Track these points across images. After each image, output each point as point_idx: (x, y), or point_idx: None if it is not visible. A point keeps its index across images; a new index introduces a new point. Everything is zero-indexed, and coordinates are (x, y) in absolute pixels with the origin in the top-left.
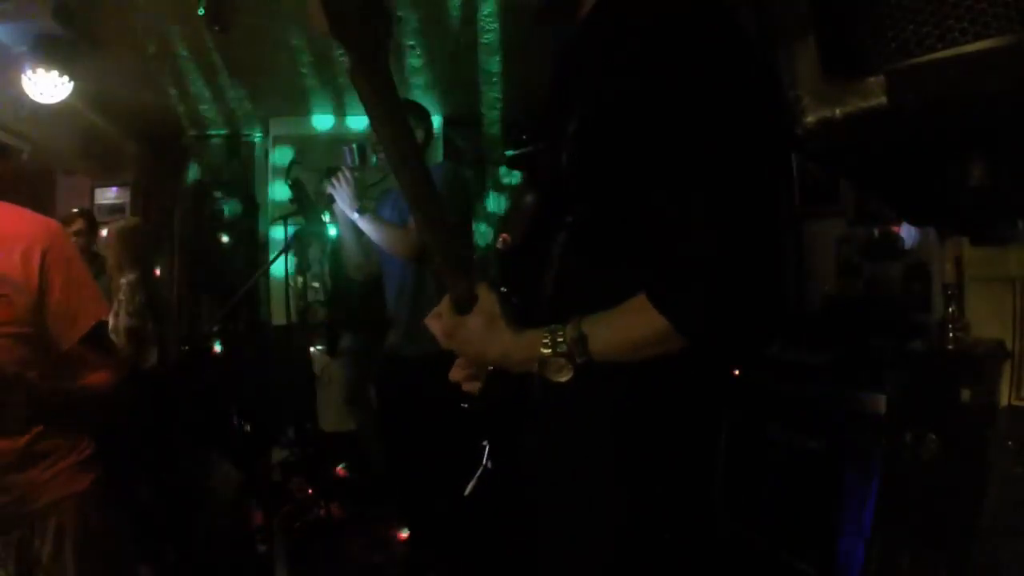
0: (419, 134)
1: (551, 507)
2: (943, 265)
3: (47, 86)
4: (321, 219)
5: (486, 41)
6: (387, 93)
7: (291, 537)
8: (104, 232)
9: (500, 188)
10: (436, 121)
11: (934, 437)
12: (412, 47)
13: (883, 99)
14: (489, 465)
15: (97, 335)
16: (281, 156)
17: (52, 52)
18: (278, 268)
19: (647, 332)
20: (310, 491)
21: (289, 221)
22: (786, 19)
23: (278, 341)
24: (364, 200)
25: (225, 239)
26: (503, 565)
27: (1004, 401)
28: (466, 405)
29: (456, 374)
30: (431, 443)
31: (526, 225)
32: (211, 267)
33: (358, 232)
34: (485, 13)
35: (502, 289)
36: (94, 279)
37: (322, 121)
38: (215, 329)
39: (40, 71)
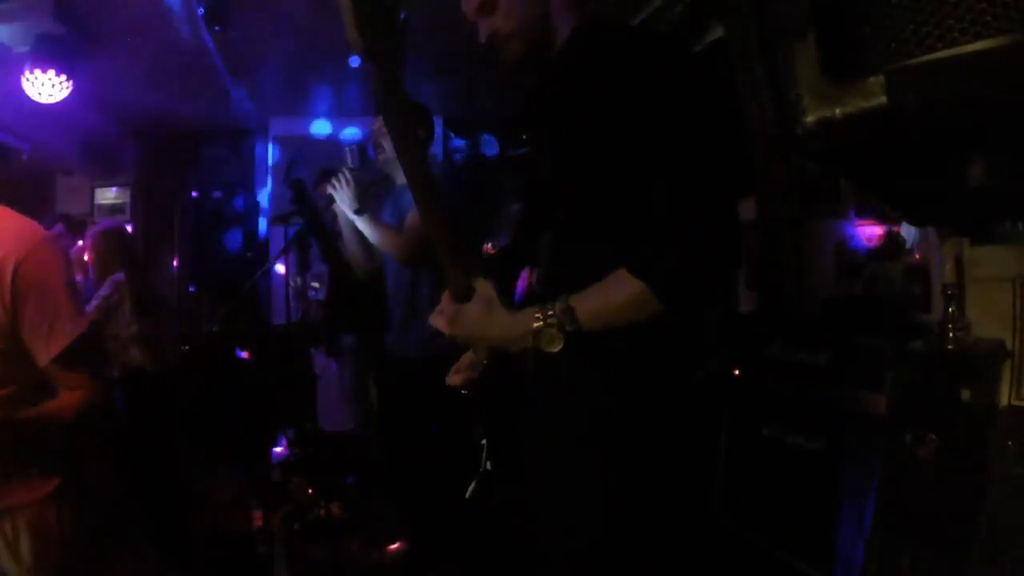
0: (420, 133)
1: (545, 484)
2: (943, 265)
3: (47, 86)
4: (321, 219)
5: None
6: (404, 104)
7: (291, 537)
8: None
9: (499, 188)
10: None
11: (934, 437)
12: (412, 47)
13: (883, 99)
14: (488, 466)
15: (74, 351)
16: (281, 156)
17: (52, 52)
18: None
19: (626, 296)
20: (310, 491)
21: (289, 221)
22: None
23: (278, 341)
24: (364, 200)
25: (225, 239)
26: (502, 564)
27: (1004, 401)
28: (465, 392)
29: (453, 379)
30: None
31: (514, 230)
32: (211, 267)
33: (359, 231)
34: None
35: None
36: (75, 290)
37: (322, 122)
38: (215, 329)
39: (40, 71)
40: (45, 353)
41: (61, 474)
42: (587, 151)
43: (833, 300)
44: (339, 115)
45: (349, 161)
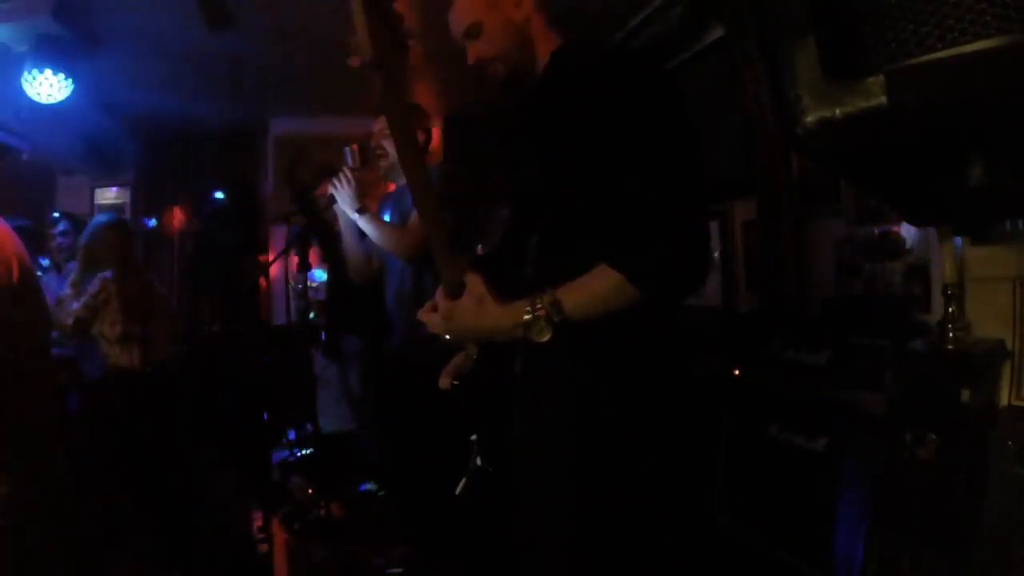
0: (420, 135)
1: (535, 477)
2: (943, 265)
3: (47, 86)
4: (321, 219)
5: None
6: (406, 108)
7: (291, 537)
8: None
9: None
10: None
11: (934, 437)
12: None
13: (883, 99)
14: (479, 462)
15: None
16: (281, 156)
17: (52, 52)
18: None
19: (607, 287)
20: (310, 491)
21: (289, 221)
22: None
23: (278, 341)
24: (365, 200)
25: (225, 239)
26: (500, 563)
27: (1004, 401)
28: (456, 383)
29: (444, 382)
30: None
31: (502, 234)
32: (211, 267)
33: (359, 233)
34: None
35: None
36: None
37: (322, 121)
38: (215, 329)
39: (40, 71)
40: None
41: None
42: (569, 161)
43: (833, 300)
44: (339, 115)
45: (349, 161)
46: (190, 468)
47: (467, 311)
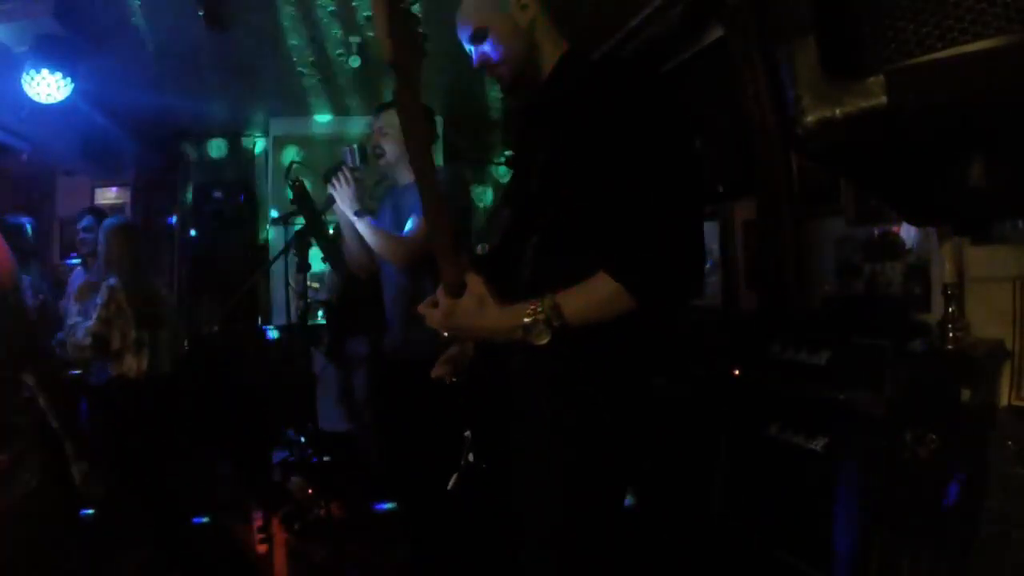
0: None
1: (529, 475)
2: (943, 265)
3: (47, 86)
4: (321, 219)
5: None
6: (419, 108)
7: (291, 537)
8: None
9: (500, 188)
10: (437, 121)
11: (934, 437)
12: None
13: (883, 99)
14: (471, 458)
15: None
16: (281, 156)
17: (52, 52)
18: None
19: (606, 295)
20: (310, 491)
21: (289, 221)
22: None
23: (278, 341)
24: (365, 201)
25: (225, 239)
26: (498, 562)
27: (1004, 401)
28: (455, 379)
29: (438, 371)
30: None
31: (502, 234)
32: (211, 267)
33: (360, 232)
34: None
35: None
36: None
37: (322, 121)
38: (215, 329)
39: (40, 71)
40: None
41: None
42: (570, 167)
43: (833, 300)
44: (339, 115)
45: (349, 161)
46: (190, 468)
47: (467, 311)
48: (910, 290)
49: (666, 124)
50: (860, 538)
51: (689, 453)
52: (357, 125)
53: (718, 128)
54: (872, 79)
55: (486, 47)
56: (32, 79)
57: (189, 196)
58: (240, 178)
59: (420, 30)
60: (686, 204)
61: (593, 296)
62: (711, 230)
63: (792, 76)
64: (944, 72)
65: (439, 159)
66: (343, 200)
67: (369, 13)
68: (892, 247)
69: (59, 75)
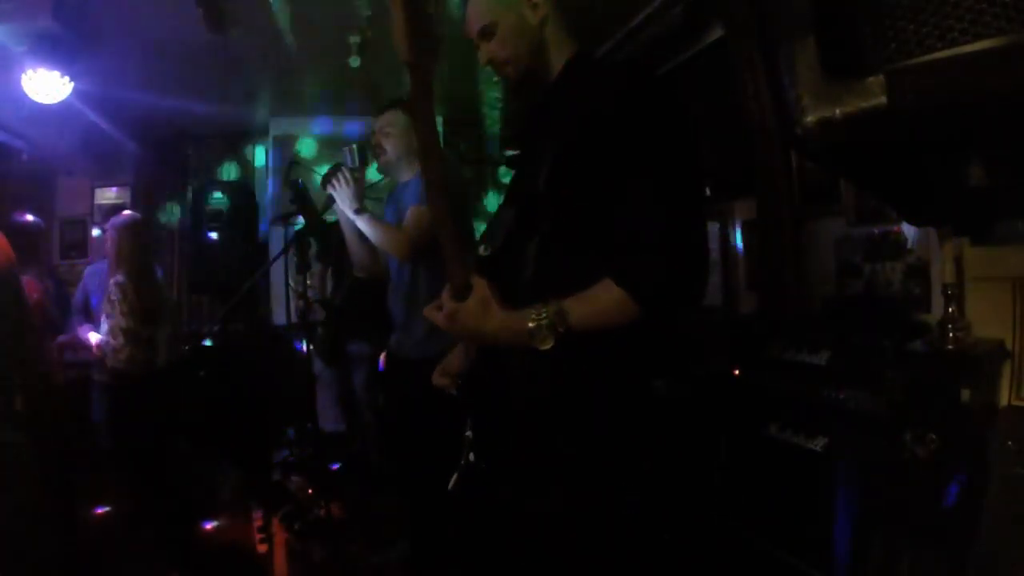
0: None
1: (530, 478)
2: (943, 265)
3: (47, 86)
4: (321, 219)
5: None
6: (432, 108)
7: (291, 537)
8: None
9: (500, 188)
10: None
11: (934, 437)
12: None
13: (883, 99)
14: (471, 458)
15: None
16: (281, 156)
17: (52, 52)
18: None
19: (611, 302)
20: (310, 491)
21: (289, 221)
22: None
23: (278, 341)
24: (365, 200)
25: (225, 239)
26: (500, 564)
27: (1004, 401)
28: (459, 383)
29: (440, 380)
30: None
31: (504, 235)
32: (211, 267)
33: (361, 231)
34: None
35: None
36: None
37: (322, 122)
38: (215, 329)
39: (40, 71)
40: None
41: None
42: (574, 170)
43: (833, 300)
44: (339, 115)
45: (348, 161)
46: (190, 468)
47: (472, 314)
48: (910, 290)
49: (670, 128)
50: (860, 538)
51: (689, 453)
52: (357, 125)
53: (718, 128)
54: (872, 79)
55: (494, 44)
56: (32, 79)
57: (189, 196)
58: (240, 178)
59: (437, 32)
60: (689, 210)
61: (598, 303)
62: (711, 230)
63: (792, 76)
64: (944, 72)
65: None
66: (343, 200)
67: (369, 13)
68: (892, 247)
69: (58, 75)
